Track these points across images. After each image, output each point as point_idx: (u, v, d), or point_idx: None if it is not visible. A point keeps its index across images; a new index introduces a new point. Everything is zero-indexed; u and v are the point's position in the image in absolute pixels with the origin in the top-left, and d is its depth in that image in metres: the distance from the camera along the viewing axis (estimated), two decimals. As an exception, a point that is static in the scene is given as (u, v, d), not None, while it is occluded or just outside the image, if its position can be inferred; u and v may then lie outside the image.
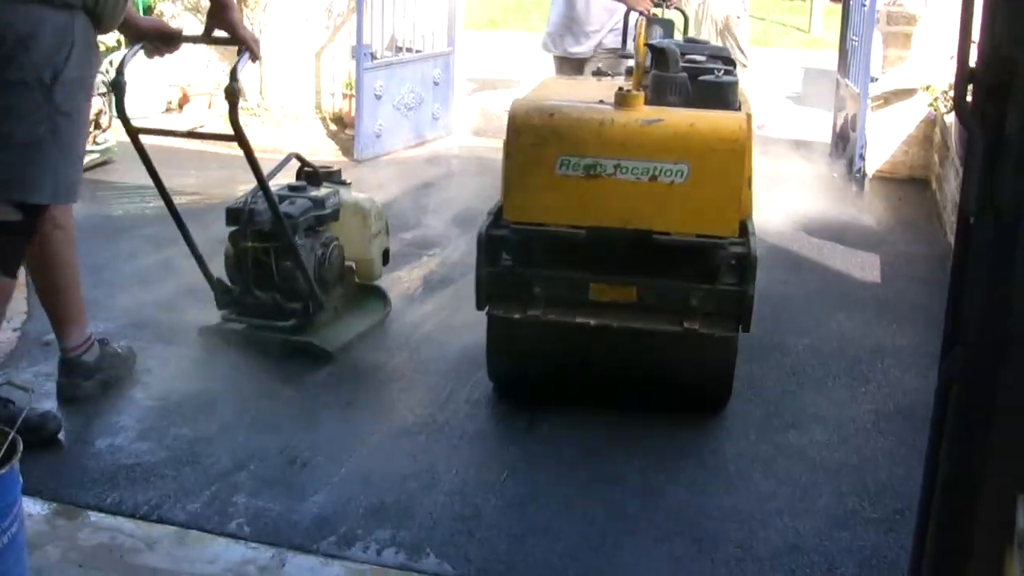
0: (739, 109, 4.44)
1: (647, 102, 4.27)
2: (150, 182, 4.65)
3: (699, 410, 4.39)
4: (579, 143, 4.03)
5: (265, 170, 4.52)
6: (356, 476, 3.81)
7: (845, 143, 8.79)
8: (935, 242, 7.07)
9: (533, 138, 4.07)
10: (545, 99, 4.46)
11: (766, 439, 4.19)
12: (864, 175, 8.38)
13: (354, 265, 5.24)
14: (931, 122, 8.79)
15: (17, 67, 3.54)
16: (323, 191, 5.03)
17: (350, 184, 5.40)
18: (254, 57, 4.27)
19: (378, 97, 9.25)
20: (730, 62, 5.09)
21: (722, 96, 4.42)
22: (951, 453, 2.28)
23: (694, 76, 4.52)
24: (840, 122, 9.13)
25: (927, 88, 8.72)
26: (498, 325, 4.33)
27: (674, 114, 4.13)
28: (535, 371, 4.44)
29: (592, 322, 4.15)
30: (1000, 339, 2.22)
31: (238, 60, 4.22)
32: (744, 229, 4.18)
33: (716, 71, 4.62)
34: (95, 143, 8.12)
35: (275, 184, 4.78)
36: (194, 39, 4.57)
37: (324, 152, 9.29)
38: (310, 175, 5.13)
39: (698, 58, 4.92)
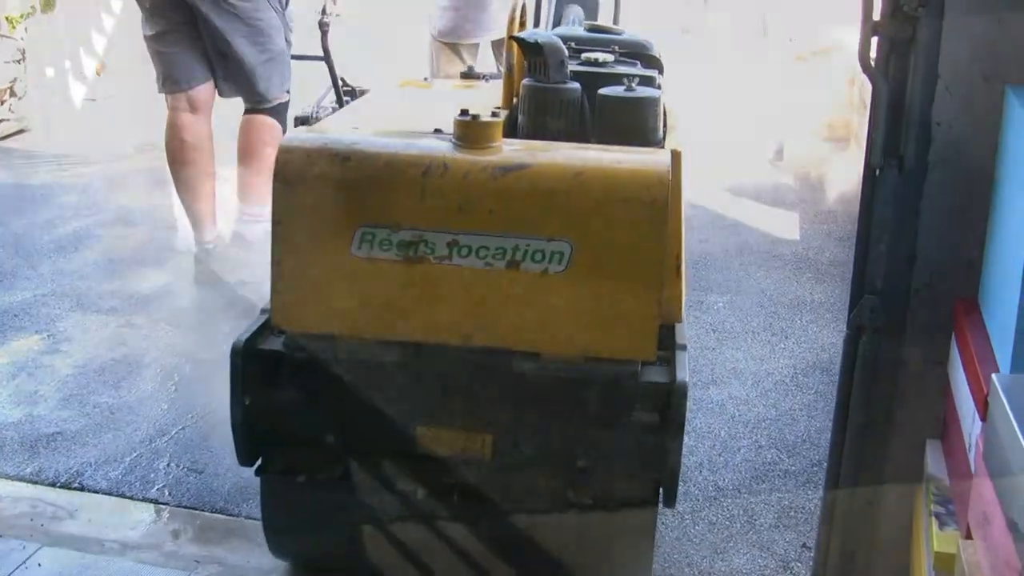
0: (662, 142, 2.97)
1: (512, 132, 2.99)
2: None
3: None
4: (391, 206, 2.53)
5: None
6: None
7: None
8: (854, 200, 7.12)
9: (316, 197, 2.56)
10: (347, 129, 2.94)
11: (686, 395, 4.23)
12: (783, 135, 8.43)
13: None
14: (851, 81, 8.87)
15: None
16: None
17: None
18: None
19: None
20: (653, 62, 3.54)
21: (635, 120, 2.92)
22: (861, 399, 2.33)
23: (593, 87, 3.01)
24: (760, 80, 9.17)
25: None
26: (275, 489, 2.87)
27: (550, 155, 2.62)
28: (340, 558, 2.95)
29: (420, 491, 2.73)
30: (906, 287, 2.27)
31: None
32: (669, 340, 2.71)
33: (628, 79, 3.02)
34: (11, 112, 8.01)
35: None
36: None
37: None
38: (349, 92, 5.80)
39: (601, 57, 3.35)
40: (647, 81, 3.20)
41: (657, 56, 3.61)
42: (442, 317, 2.56)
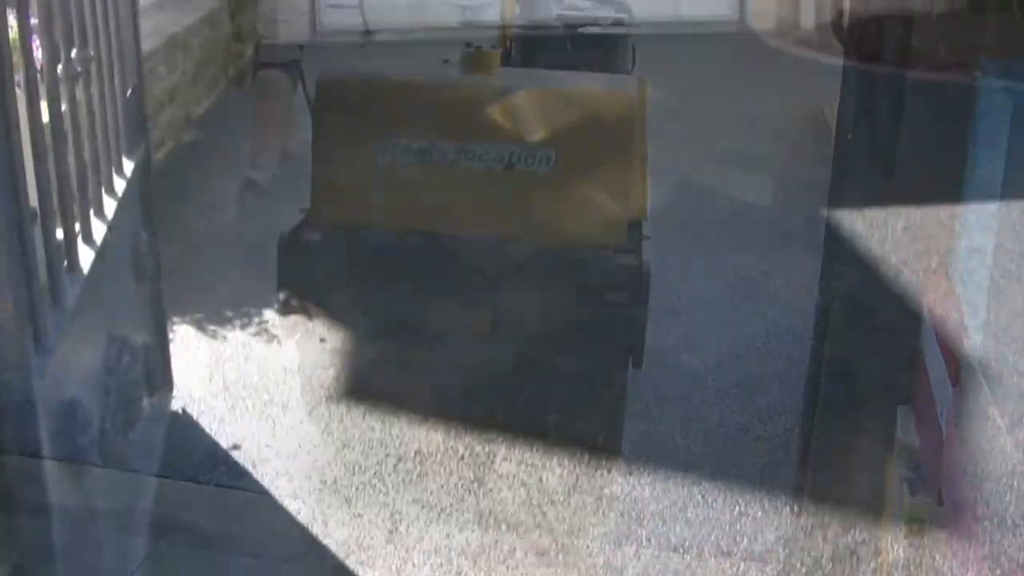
0: (631, 70, 3.62)
1: (507, 62, 3.44)
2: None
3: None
4: (408, 121, 3.13)
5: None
6: (250, 411, 3.78)
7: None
8: (825, 165, 7.09)
9: (347, 116, 3.17)
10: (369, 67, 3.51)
11: (658, 362, 4.20)
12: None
13: None
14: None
15: None
16: None
17: None
18: None
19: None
20: (622, 6, 4.10)
21: (609, 54, 3.59)
22: (833, 367, 2.33)
23: (573, 27, 3.64)
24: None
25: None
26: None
27: (537, 80, 3.23)
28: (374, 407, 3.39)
29: (431, 357, 3.23)
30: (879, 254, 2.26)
31: None
32: (636, 232, 3.26)
33: (602, 20, 3.70)
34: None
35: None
36: None
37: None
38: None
39: (580, 2, 3.93)
40: (618, 22, 3.89)
41: (623, 2, 4.23)
42: (451, 211, 3.12)
